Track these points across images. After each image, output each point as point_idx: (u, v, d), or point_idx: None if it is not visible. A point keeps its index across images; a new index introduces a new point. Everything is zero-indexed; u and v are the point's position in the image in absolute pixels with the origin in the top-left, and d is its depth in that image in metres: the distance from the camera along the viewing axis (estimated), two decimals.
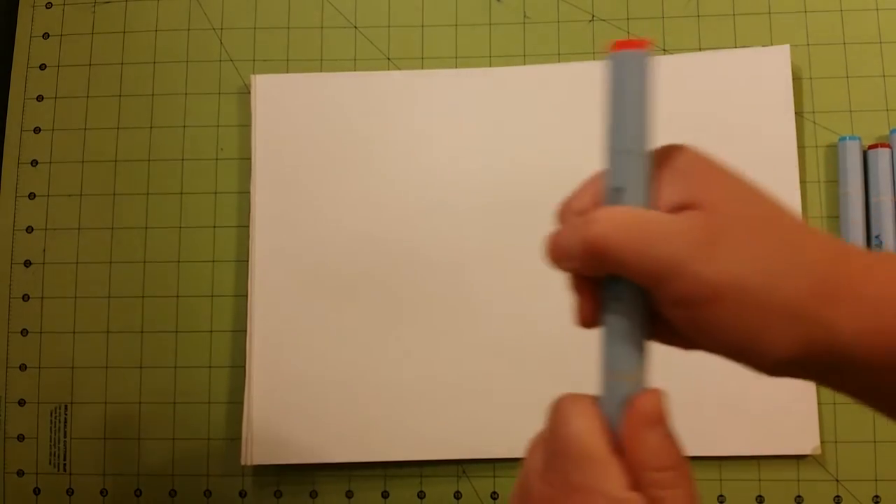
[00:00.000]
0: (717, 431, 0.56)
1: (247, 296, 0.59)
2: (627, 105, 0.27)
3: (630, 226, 0.25)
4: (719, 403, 0.56)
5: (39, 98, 0.63)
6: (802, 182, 0.58)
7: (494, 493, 0.57)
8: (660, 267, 0.24)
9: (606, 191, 0.27)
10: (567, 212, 0.29)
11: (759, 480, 0.56)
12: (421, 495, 0.58)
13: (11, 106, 0.63)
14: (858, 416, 0.56)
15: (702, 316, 0.24)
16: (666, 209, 0.26)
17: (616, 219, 0.25)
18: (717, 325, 0.24)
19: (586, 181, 0.29)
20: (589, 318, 0.29)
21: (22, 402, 0.60)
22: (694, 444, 0.56)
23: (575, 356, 0.57)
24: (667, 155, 0.28)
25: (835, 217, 0.58)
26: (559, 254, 0.28)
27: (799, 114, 0.59)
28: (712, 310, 0.24)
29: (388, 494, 0.58)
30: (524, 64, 0.62)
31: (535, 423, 0.56)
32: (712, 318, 0.24)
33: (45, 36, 0.64)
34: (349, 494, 0.58)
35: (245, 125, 0.62)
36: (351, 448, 0.57)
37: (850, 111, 0.59)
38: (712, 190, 0.25)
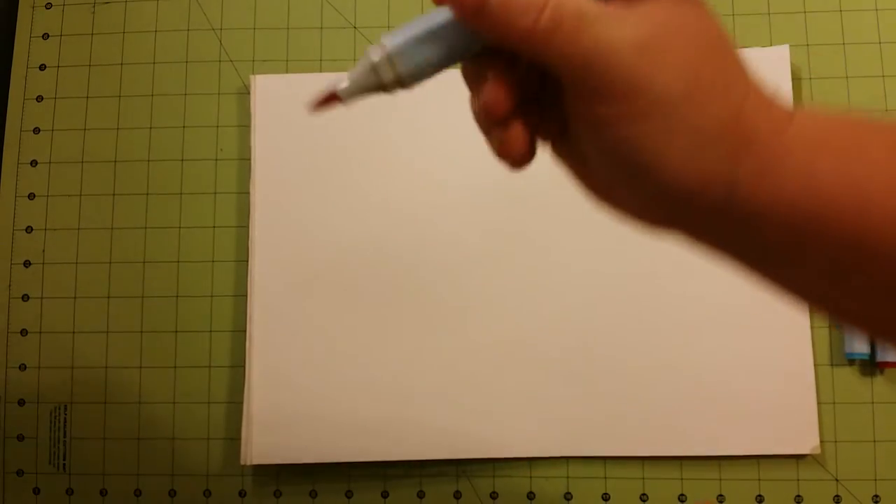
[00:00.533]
0: (717, 431, 0.56)
1: (246, 296, 0.59)
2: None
3: (579, 30, 0.23)
4: (719, 403, 0.56)
5: (39, 98, 0.64)
6: None
7: (494, 492, 0.57)
8: (593, 70, 0.23)
9: None
10: None
11: (759, 480, 0.56)
12: (420, 495, 0.58)
13: (11, 106, 0.63)
14: (858, 416, 0.56)
15: (609, 117, 0.23)
16: None
17: (566, 20, 0.23)
18: (621, 131, 0.23)
19: None
20: (503, 104, 0.26)
21: (21, 402, 0.60)
22: (693, 443, 0.56)
23: (575, 356, 0.58)
24: None
25: None
26: (466, 6, 0.24)
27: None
28: (623, 114, 0.23)
29: (388, 494, 0.58)
30: None
31: (534, 424, 0.56)
32: (619, 122, 0.23)
33: (45, 36, 0.64)
34: (349, 494, 0.58)
35: (244, 125, 0.62)
36: (351, 448, 0.57)
37: (850, 111, 0.59)
38: (662, 12, 0.24)
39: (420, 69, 0.26)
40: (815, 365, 0.56)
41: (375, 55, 0.25)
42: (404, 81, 0.26)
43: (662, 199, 0.24)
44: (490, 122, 0.28)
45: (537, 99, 0.27)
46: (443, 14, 0.25)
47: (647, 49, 0.23)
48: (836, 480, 0.56)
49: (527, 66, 0.26)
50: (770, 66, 0.59)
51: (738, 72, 0.24)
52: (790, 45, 0.59)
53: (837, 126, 0.24)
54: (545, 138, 0.28)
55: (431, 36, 0.25)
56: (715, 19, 0.25)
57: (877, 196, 0.22)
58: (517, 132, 0.27)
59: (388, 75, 0.25)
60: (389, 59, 0.25)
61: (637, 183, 0.25)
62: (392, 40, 0.25)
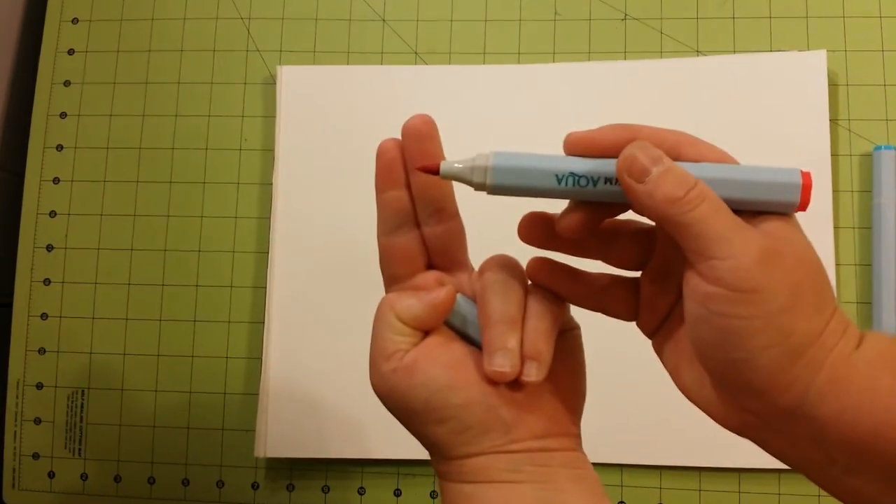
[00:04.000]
0: (737, 442, 0.55)
1: (265, 288, 0.59)
2: (751, 181, 0.28)
3: (718, 212, 0.27)
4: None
5: (67, 83, 0.64)
6: (835, 191, 0.57)
7: None
8: (721, 251, 0.26)
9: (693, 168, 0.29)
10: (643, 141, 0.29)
11: (779, 494, 0.55)
12: (433, 495, 0.57)
13: (39, 90, 0.64)
14: None
15: (720, 299, 0.26)
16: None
17: (710, 199, 0.27)
18: (725, 314, 0.26)
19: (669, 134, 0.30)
20: (574, 228, 0.31)
21: (40, 386, 0.60)
22: (713, 453, 0.55)
23: (593, 362, 0.57)
24: None
25: (867, 228, 0.57)
26: (632, 173, 0.28)
27: (834, 121, 0.58)
28: (734, 299, 0.26)
29: (401, 493, 0.58)
30: (553, 61, 0.61)
31: None
32: (727, 305, 0.26)
33: (75, 21, 0.64)
34: (361, 491, 0.58)
35: (270, 116, 0.62)
36: (365, 445, 0.57)
37: (887, 120, 0.58)
38: (781, 229, 0.28)
39: (506, 191, 0.30)
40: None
41: (480, 159, 0.30)
42: (488, 191, 0.30)
43: (747, 394, 0.28)
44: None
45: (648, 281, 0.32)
46: (553, 165, 0.30)
47: (767, 256, 0.26)
48: None
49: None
50: (806, 70, 0.58)
51: (829, 296, 0.28)
52: (827, 51, 0.58)
53: None
54: (647, 329, 0.33)
55: (533, 175, 0.30)
56: (812, 246, 0.28)
57: None
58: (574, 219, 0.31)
59: (479, 179, 0.30)
60: (486, 171, 0.30)
61: (727, 375, 0.28)
62: (500, 159, 0.30)
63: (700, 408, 0.31)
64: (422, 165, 0.32)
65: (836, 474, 0.28)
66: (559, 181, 0.29)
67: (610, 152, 0.29)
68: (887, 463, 0.26)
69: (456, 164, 0.31)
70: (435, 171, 0.31)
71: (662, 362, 0.33)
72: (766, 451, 0.30)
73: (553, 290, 0.33)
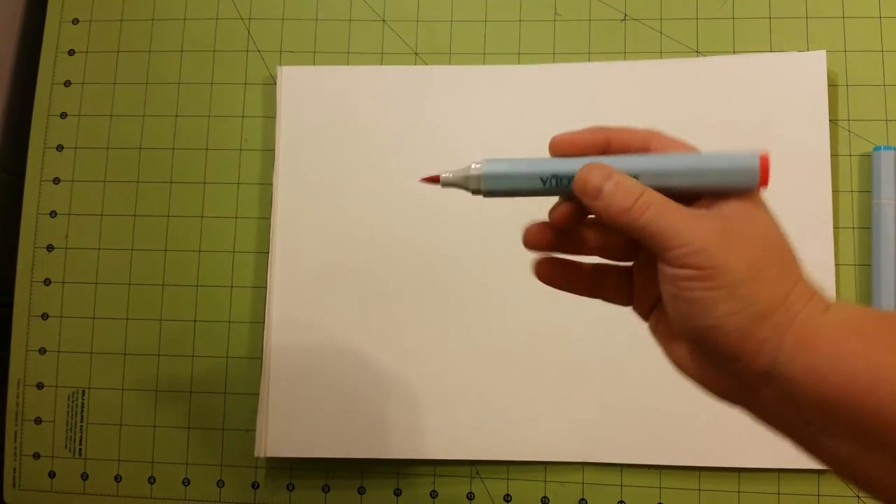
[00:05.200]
0: (737, 442, 0.55)
1: (266, 287, 0.59)
2: (709, 166, 0.31)
3: (664, 212, 0.30)
4: (739, 413, 0.55)
5: (67, 83, 0.64)
6: (835, 191, 0.57)
7: (507, 495, 0.57)
8: (674, 242, 0.30)
9: (627, 161, 0.32)
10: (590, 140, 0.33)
11: (779, 494, 0.55)
12: (433, 495, 0.57)
13: (39, 90, 0.64)
14: None
15: (684, 277, 0.30)
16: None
17: (654, 205, 0.30)
18: (692, 290, 0.30)
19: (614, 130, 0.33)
20: (562, 219, 0.34)
21: (40, 386, 0.61)
22: (712, 454, 0.55)
23: (595, 362, 0.57)
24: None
25: (866, 228, 0.57)
26: (587, 193, 0.31)
27: (833, 121, 0.58)
28: (697, 276, 0.29)
29: (401, 492, 0.58)
30: (553, 62, 0.61)
31: (551, 427, 0.56)
32: (692, 282, 0.29)
33: (75, 21, 0.65)
34: (361, 490, 0.58)
35: (270, 116, 0.62)
36: (365, 444, 0.57)
37: (887, 120, 0.58)
38: (739, 209, 0.31)
39: (498, 193, 0.34)
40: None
41: (473, 169, 0.33)
42: (483, 195, 0.34)
43: (723, 360, 0.30)
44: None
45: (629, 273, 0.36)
46: (538, 168, 0.33)
47: (722, 236, 0.29)
48: (857, 497, 0.55)
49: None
50: (806, 71, 0.58)
51: (790, 266, 0.31)
52: (827, 51, 0.58)
53: (869, 316, 0.29)
54: (643, 313, 0.37)
55: (520, 180, 0.33)
56: (775, 222, 0.31)
57: (890, 374, 0.27)
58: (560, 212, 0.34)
59: (473, 185, 0.33)
60: (479, 178, 0.33)
61: (704, 343, 0.31)
62: (489, 166, 0.33)
63: (690, 379, 0.34)
64: (425, 178, 0.35)
65: (813, 435, 0.30)
66: (544, 182, 0.32)
67: (588, 151, 0.33)
68: (855, 422, 0.28)
69: (453, 174, 0.34)
70: (436, 182, 0.34)
71: (657, 342, 0.36)
72: (753, 416, 0.33)
73: (556, 282, 0.36)
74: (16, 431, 0.60)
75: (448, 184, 0.34)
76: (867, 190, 0.57)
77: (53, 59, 0.64)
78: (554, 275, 0.36)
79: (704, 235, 0.29)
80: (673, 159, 0.32)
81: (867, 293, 0.56)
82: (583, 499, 0.56)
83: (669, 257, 0.30)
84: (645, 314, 0.36)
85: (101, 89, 0.63)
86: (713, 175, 0.31)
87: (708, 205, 0.31)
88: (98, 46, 0.64)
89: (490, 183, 0.33)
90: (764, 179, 0.31)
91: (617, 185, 0.31)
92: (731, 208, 0.31)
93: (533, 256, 0.36)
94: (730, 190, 0.31)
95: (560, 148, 0.33)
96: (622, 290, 0.37)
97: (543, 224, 0.35)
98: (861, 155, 0.58)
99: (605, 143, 0.33)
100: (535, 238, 0.35)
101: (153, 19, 0.64)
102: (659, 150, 0.32)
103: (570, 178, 0.32)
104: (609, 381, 0.56)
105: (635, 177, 0.31)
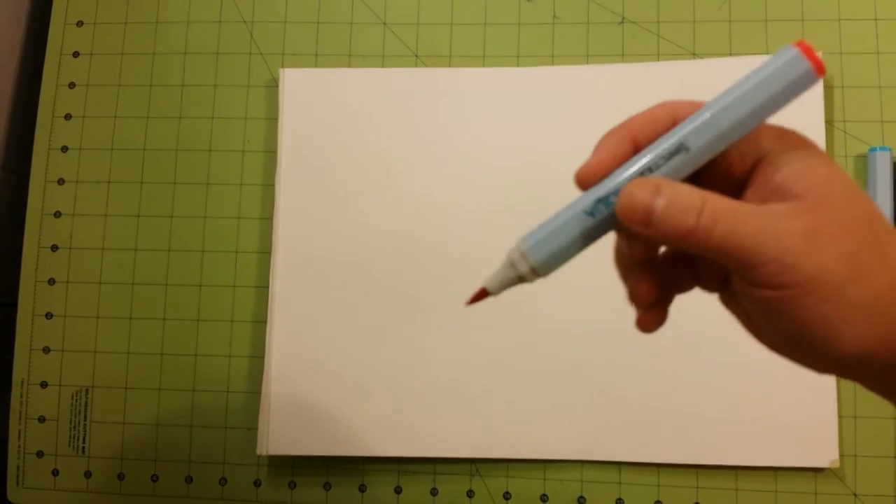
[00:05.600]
0: (735, 440, 0.56)
1: (268, 287, 0.60)
2: (756, 92, 0.27)
3: (738, 223, 0.25)
4: (737, 412, 0.56)
5: (71, 85, 0.64)
6: None
7: (507, 493, 0.57)
8: (758, 258, 0.25)
9: (669, 137, 0.28)
10: (618, 141, 0.28)
11: (776, 492, 0.56)
12: (434, 492, 0.58)
13: (44, 92, 0.64)
14: (878, 431, 0.55)
15: (781, 299, 0.25)
16: (758, 192, 0.27)
17: (724, 216, 0.26)
18: (794, 311, 0.25)
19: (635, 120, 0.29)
20: (647, 298, 0.29)
21: (44, 385, 0.61)
22: (710, 452, 0.55)
23: (594, 360, 0.57)
24: (774, 132, 0.28)
25: None
26: (635, 220, 0.26)
27: (829, 122, 0.59)
28: (795, 296, 0.25)
29: (401, 490, 0.58)
30: (552, 64, 0.62)
31: (550, 425, 0.56)
32: (791, 303, 0.25)
33: (79, 24, 0.65)
34: (362, 488, 0.58)
35: (272, 118, 0.63)
36: (366, 443, 0.57)
37: (882, 121, 0.59)
38: (814, 183, 0.26)
39: (554, 260, 0.29)
40: (837, 378, 0.55)
41: (515, 258, 0.29)
42: (539, 272, 0.29)
43: (835, 365, 0.27)
44: (624, 269, 0.31)
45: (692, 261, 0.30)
46: (578, 206, 0.28)
47: (809, 239, 0.25)
48: (855, 495, 0.55)
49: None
50: None
51: (891, 237, 0.26)
52: (823, 53, 0.59)
53: None
54: (709, 290, 0.31)
55: (567, 229, 0.28)
56: (857, 191, 0.27)
57: None
58: (644, 287, 0.29)
59: (524, 269, 0.29)
60: (524, 255, 0.29)
61: (809, 352, 0.27)
62: (528, 240, 0.29)
63: (783, 356, 0.29)
64: (472, 299, 0.31)
65: None
66: (592, 214, 0.28)
67: (620, 163, 0.28)
68: None
69: (498, 279, 0.30)
70: (484, 295, 0.31)
71: (731, 313, 0.31)
72: (854, 380, 0.29)
73: (662, 320, 0.31)
74: (20, 430, 0.61)
75: (498, 288, 0.30)
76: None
77: (58, 62, 0.65)
78: (659, 317, 0.31)
79: (791, 243, 0.25)
80: (717, 101, 0.27)
81: None
82: (582, 496, 0.57)
83: (754, 278, 0.26)
84: (713, 289, 0.31)
85: (105, 91, 0.64)
86: (768, 87, 0.27)
87: (764, 177, 0.27)
88: (102, 49, 0.65)
89: (538, 253, 0.28)
90: (818, 67, 0.27)
91: (670, 201, 0.26)
92: (798, 181, 0.26)
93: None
94: (791, 94, 0.27)
95: (590, 178, 0.28)
96: (690, 277, 0.31)
97: (645, 278, 0.30)
98: (857, 156, 0.58)
99: (633, 145, 0.28)
100: (643, 297, 0.30)
101: (157, 22, 0.65)
102: (688, 111, 0.28)
103: (685, 148, 0.27)
104: (608, 380, 0.57)
105: (689, 160, 0.27)
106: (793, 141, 0.28)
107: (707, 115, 0.27)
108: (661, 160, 0.27)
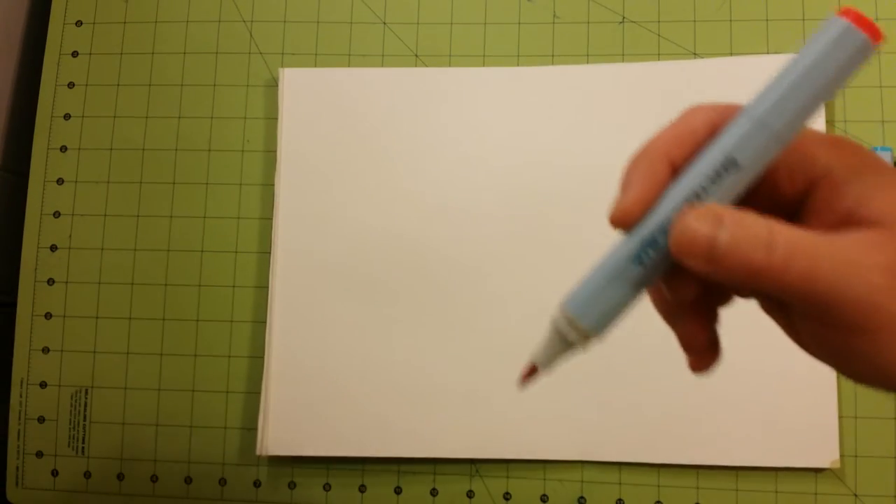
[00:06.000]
0: (735, 441, 0.55)
1: (268, 287, 0.59)
2: (810, 78, 0.23)
3: (816, 258, 0.22)
4: (737, 412, 0.56)
5: (71, 85, 0.64)
6: None
7: (507, 493, 0.57)
8: (839, 299, 0.22)
9: (712, 152, 0.24)
10: (655, 162, 0.24)
11: (776, 492, 0.55)
12: (434, 493, 0.58)
13: (43, 92, 0.64)
14: (879, 431, 0.55)
15: (856, 340, 0.22)
16: (820, 219, 0.24)
17: (799, 251, 0.22)
18: (868, 352, 0.22)
19: (668, 129, 0.25)
20: (702, 341, 0.26)
21: (43, 385, 0.61)
22: (710, 452, 0.55)
23: (594, 360, 0.57)
24: (827, 144, 0.25)
25: None
26: (695, 256, 0.23)
27: (830, 122, 0.59)
28: (874, 340, 0.22)
29: (401, 490, 0.58)
30: (552, 64, 0.61)
31: (550, 426, 0.56)
32: (868, 345, 0.22)
33: (78, 23, 0.65)
34: (362, 489, 0.58)
35: (272, 118, 0.62)
36: (365, 443, 0.57)
37: (882, 121, 0.59)
38: (891, 207, 0.22)
39: (607, 320, 0.25)
40: (838, 378, 0.55)
41: (559, 323, 0.26)
42: (591, 335, 0.26)
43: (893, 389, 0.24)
44: (668, 314, 0.27)
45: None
46: (622, 254, 0.25)
47: (891, 271, 0.21)
48: (855, 496, 0.55)
49: None
50: None
51: None
52: None
53: None
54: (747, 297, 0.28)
55: (613, 283, 0.25)
56: None
57: None
58: (697, 330, 0.26)
59: (573, 338, 0.26)
60: (571, 322, 0.25)
61: (871, 381, 0.24)
62: (571, 305, 0.25)
63: (825, 363, 0.25)
64: (524, 377, 0.28)
65: None
66: (640, 261, 0.24)
67: (660, 192, 0.24)
68: None
69: (546, 351, 0.27)
70: (535, 372, 0.28)
71: (774, 320, 0.28)
72: None
73: (669, 320, 0.28)
74: (19, 430, 0.61)
75: (547, 362, 0.27)
76: None
77: (57, 61, 0.65)
78: (715, 354, 0.27)
79: (875, 281, 0.21)
80: (770, 115, 0.23)
81: None
82: (582, 497, 0.57)
83: (828, 318, 0.22)
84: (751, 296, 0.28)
85: (105, 91, 0.64)
86: (824, 91, 0.23)
87: (827, 200, 0.23)
88: (101, 48, 0.65)
89: (586, 315, 0.25)
90: (874, 34, 0.23)
91: (734, 233, 0.22)
92: (872, 205, 0.23)
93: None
94: (851, 67, 0.23)
95: (628, 219, 0.24)
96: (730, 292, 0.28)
97: (696, 319, 0.27)
98: None
99: (671, 167, 0.24)
100: (699, 341, 0.27)
101: (156, 21, 0.65)
102: (731, 114, 0.24)
103: (734, 163, 0.23)
104: (608, 381, 0.57)
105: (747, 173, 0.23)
106: (854, 154, 0.25)
107: (754, 115, 0.23)
108: (708, 181, 0.23)
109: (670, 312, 0.27)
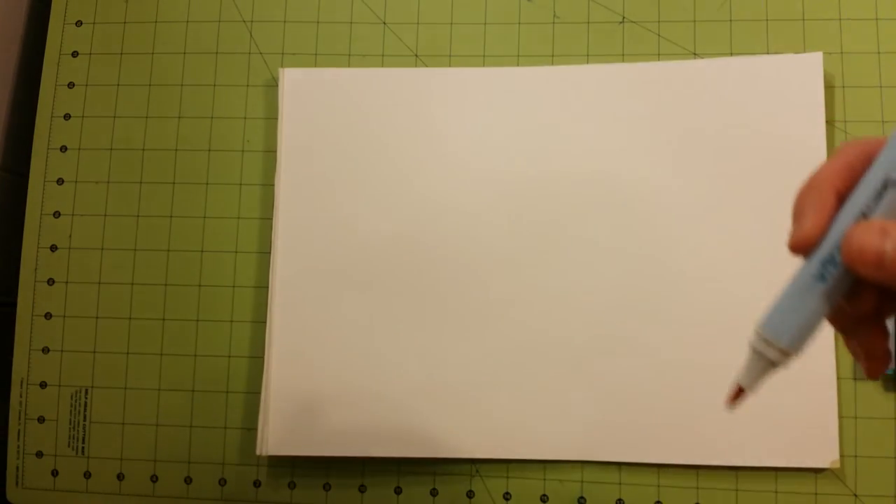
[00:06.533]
0: (735, 441, 0.55)
1: (268, 287, 0.59)
2: None
3: None
4: (738, 412, 0.55)
5: (71, 85, 0.64)
6: None
7: (507, 493, 0.57)
8: None
9: (872, 176, 0.27)
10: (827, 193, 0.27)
11: (776, 492, 0.55)
12: (433, 493, 0.58)
13: (43, 92, 0.64)
14: (879, 431, 0.55)
15: None
16: None
17: None
18: None
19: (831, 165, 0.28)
20: (880, 352, 0.29)
21: (43, 385, 0.61)
22: (710, 452, 0.55)
23: (594, 360, 0.57)
24: None
25: None
26: (866, 263, 0.25)
27: (830, 122, 0.59)
28: None
29: (401, 490, 0.58)
30: (552, 64, 0.61)
31: (550, 426, 0.56)
32: None
33: (78, 23, 0.65)
34: (362, 489, 0.58)
35: (272, 118, 0.62)
36: (365, 443, 0.57)
37: (882, 121, 0.59)
38: None
39: (802, 336, 0.28)
40: (838, 378, 0.55)
41: (756, 344, 0.29)
42: (790, 353, 0.28)
43: None
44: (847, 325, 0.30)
45: None
46: (806, 275, 0.27)
47: None
48: (855, 496, 0.55)
49: None
50: (802, 73, 0.58)
51: None
52: (824, 53, 0.59)
53: None
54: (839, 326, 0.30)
55: (802, 302, 0.27)
56: None
57: None
58: (875, 339, 0.29)
59: (773, 356, 0.28)
60: (769, 343, 0.28)
61: None
62: (767, 326, 0.28)
63: None
64: (729, 400, 0.31)
65: None
66: (823, 278, 0.27)
67: (831, 218, 0.27)
68: None
69: (749, 371, 0.29)
70: (742, 393, 0.31)
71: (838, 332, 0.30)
72: None
73: (848, 333, 0.30)
74: (19, 430, 0.61)
75: (753, 382, 0.30)
76: None
77: (57, 61, 0.65)
78: (888, 357, 0.30)
79: None
80: None
81: None
82: (582, 497, 0.57)
83: None
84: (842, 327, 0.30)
85: (105, 91, 0.64)
86: None
87: None
88: (101, 49, 0.65)
89: (780, 333, 0.28)
90: None
91: None
92: None
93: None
94: None
95: (807, 245, 0.27)
96: None
97: (874, 330, 0.29)
98: None
99: (837, 196, 0.27)
100: (878, 348, 0.29)
101: (156, 21, 0.65)
102: (878, 145, 0.27)
103: (893, 182, 0.26)
104: (608, 381, 0.57)
105: None
106: None
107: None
108: (872, 201, 0.26)
109: (847, 326, 0.30)
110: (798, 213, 0.28)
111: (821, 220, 0.27)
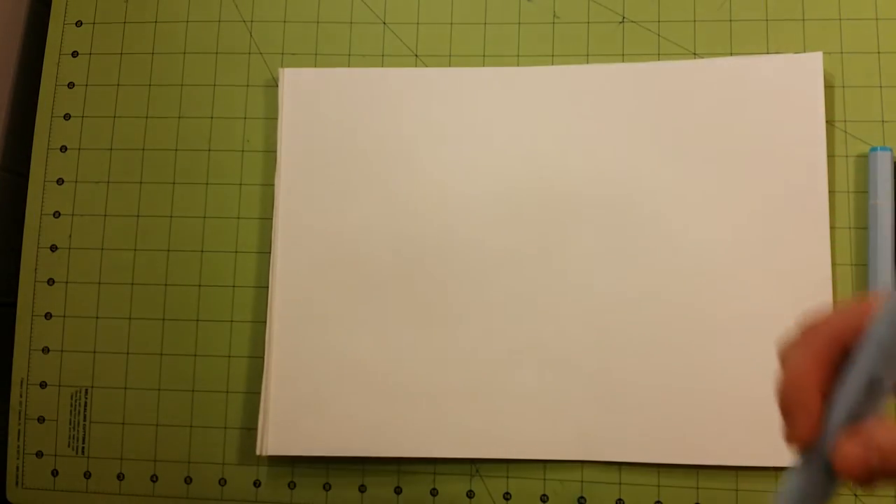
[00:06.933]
0: (735, 441, 0.55)
1: (268, 287, 0.59)
2: None
3: None
4: (737, 412, 0.56)
5: (70, 85, 0.64)
6: (831, 192, 0.58)
7: (507, 493, 0.57)
8: None
9: (856, 377, 0.27)
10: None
11: (776, 492, 0.55)
12: (433, 493, 0.58)
13: (43, 92, 0.64)
14: None
15: None
16: None
17: None
18: None
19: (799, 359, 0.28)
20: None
21: (43, 385, 0.61)
22: (711, 452, 0.55)
23: (593, 360, 0.57)
24: None
25: (863, 228, 0.57)
26: (859, 477, 0.26)
27: (830, 122, 0.59)
28: None
29: (401, 490, 0.58)
30: (552, 64, 0.62)
31: (550, 426, 0.56)
32: None
33: (78, 23, 0.65)
34: (362, 489, 0.58)
35: (271, 118, 0.62)
36: (366, 442, 0.57)
37: (883, 121, 0.59)
38: None
39: None
40: None
41: None
42: None
43: None
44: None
45: None
46: (812, 471, 0.28)
47: None
48: (855, 496, 0.55)
49: None
50: (803, 72, 0.58)
51: None
52: (823, 53, 0.59)
53: None
54: None
55: (812, 491, 0.28)
56: None
57: None
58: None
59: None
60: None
61: None
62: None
63: None
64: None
65: None
66: (829, 471, 0.28)
67: (820, 419, 0.28)
68: None
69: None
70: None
71: None
72: None
73: None
74: (19, 430, 0.61)
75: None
76: (864, 191, 0.58)
77: (57, 61, 0.65)
78: None
79: None
80: (881, 332, 0.26)
81: (864, 293, 0.57)
82: (582, 497, 0.57)
83: None
84: None
85: (105, 91, 0.64)
86: None
87: None
88: (101, 49, 0.65)
89: None
90: None
91: (884, 453, 0.26)
92: None
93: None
94: None
95: (810, 443, 0.28)
96: None
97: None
98: (857, 156, 0.58)
99: (822, 396, 0.28)
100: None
101: (156, 21, 0.65)
102: (848, 335, 0.27)
103: (878, 381, 0.26)
104: (608, 381, 0.57)
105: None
106: None
107: (881, 342, 0.26)
108: (862, 397, 0.27)
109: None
110: (786, 413, 0.29)
111: (813, 423, 0.28)
